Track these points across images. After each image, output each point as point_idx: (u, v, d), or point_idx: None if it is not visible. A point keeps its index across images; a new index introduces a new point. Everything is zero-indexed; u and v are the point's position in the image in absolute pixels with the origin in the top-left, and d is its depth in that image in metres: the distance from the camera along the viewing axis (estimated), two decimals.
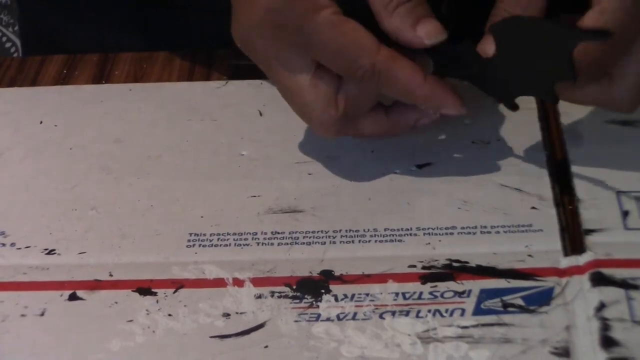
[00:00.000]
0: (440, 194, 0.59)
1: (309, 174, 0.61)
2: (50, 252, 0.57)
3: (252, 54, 0.57)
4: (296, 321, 0.53)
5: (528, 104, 0.65)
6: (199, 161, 0.63)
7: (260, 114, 0.65)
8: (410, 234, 0.57)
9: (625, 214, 0.57)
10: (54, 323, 0.53)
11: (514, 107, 0.58)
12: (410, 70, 0.55)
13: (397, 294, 0.53)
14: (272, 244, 0.57)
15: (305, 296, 0.54)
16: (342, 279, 0.55)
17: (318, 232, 0.57)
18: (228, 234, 0.58)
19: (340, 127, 0.58)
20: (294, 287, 0.54)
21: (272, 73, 0.57)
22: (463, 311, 0.52)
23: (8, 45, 1.63)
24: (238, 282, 0.55)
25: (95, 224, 0.59)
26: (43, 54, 0.73)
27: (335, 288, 0.54)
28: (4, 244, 0.58)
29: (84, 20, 0.78)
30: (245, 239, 0.57)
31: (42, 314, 0.54)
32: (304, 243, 0.57)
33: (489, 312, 0.52)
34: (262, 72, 0.58)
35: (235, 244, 0.57)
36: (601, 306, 0.51)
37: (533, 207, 0.58)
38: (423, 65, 0.56)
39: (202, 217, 0.59)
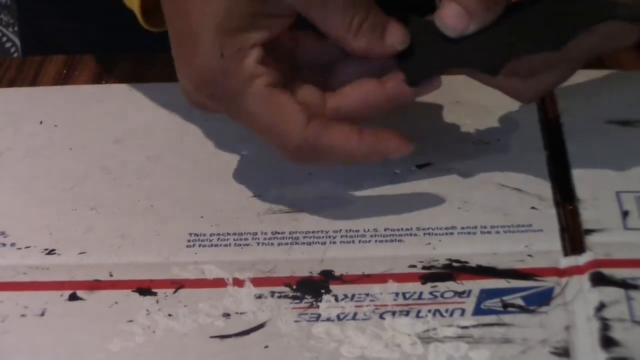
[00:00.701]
0: (440, 194, 0.59)
1: (309, 174, 0.61)
2: (50, 252, 0.57)
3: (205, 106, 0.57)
4: (296, 321, 0.53)
5: (529, 103, 0.65)
6: (199, 161, 0.63)
7: None
8: (410, 234, 0.57)
9: (625, 214, 0.57)
10: (54, 323, 0.53)
11: (495, 71, 0.56)
12: (343, 135, 0.54)
13: (397, 294, 0.53)
14: (272, 244, 0.57)
15: (306, 296, 0.54)
16: (342, 279, 0.55)
17: (318, 232, 0.57)
18: (228, 234, 0.58)
19: (314, 125, 0.55)
20: (294, 287, 0.54)
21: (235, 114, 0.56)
22: (463, 311, 0.52)
23: (8, 45, 1.63)
24: (238, 282, 0.55)
25: (95, 224, 0.59)
26: (43, 54, 0.73)
27: (336, 288, 0.54)
28: (4, 244, 0.58)
29: (84, 20, 0.78)
30: (245, 239, 0.57)
31: (42, 314, 0.54)
32: (304, 243, 0.57)
33: (489, 312, 0.52)
34: None
35: (235, 244, 0.57)
36: (601, 306, 0.51)
37: (533, 207, 0.58)
38: (395, 78, 0.55)
39: (202, 217, 0.59)
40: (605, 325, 0.50)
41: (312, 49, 0.57)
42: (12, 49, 1.62)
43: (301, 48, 0.57)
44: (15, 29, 1.57)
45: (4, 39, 1.64)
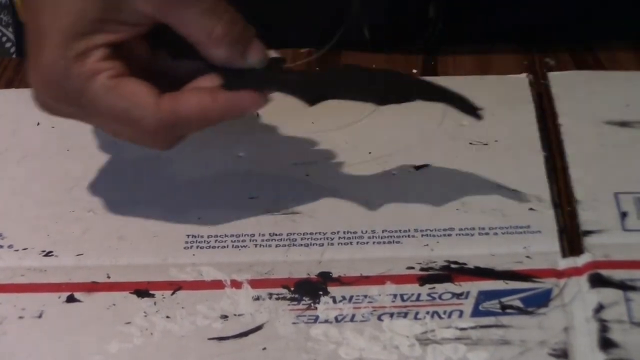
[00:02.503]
0: (438, 196, 0.59)
1: (307, 175, 0.61)
2: (48, 254, 0.57)
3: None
4: (294, 323, 0.52)
5: (527, 105, 0.65)
6: (197, 163, 0.63)
7: (258, 116, 0.65)
8: (408, 236, 0.57)
9: (623, 215, 0.57)
10: (52, 325, 0.53)
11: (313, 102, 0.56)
12: (196, 100, 0.54)
13: (395, 296, 0.53)
14: (269, 245, 0.57)
15: (304, 298, 0.54)
16: (340, 281, 0.55)
17: (316, 233, 0.57)
18: (226, 235, 0.58)
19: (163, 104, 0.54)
20: (292, 288, 0.54)
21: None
22: (461, 313, 0.52)
23: (8, 45, 1.63)
24: (236, 284, 0.55)
25: (92, 225, 0.59)
26: None
27: (334, 290, 0.54)
28: (1, 246, 0.58)
29: None
30: (243, 241, 0.57)
31: (40, 316, 0.54)
32: (301, 245, 0.57)
33: (487, 313, 0.52)
34: None
35: (232, 246, 0.57)
36: (599, 307, 0.51)
37: (531, 209, 0.58)
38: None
39: (199, 218, 0.59)
40: (603, 327, 0.50)
41: (168, 64, 0.56)
42: (12, 49, 1.62)
43: (157, 62, 0.56)
44: None
45: (4, 38, 1.63)
